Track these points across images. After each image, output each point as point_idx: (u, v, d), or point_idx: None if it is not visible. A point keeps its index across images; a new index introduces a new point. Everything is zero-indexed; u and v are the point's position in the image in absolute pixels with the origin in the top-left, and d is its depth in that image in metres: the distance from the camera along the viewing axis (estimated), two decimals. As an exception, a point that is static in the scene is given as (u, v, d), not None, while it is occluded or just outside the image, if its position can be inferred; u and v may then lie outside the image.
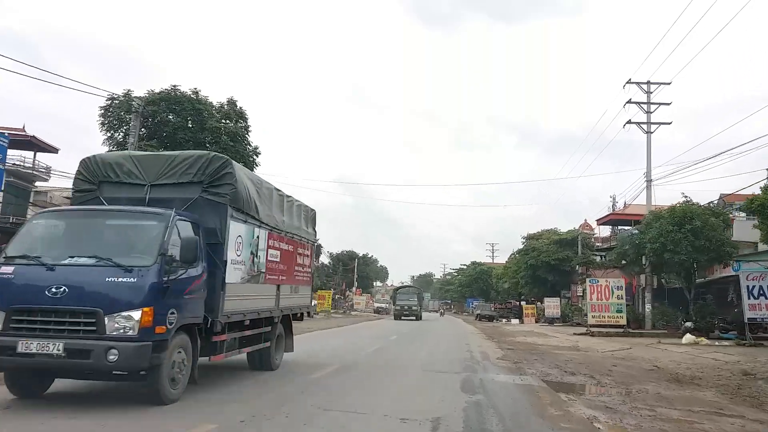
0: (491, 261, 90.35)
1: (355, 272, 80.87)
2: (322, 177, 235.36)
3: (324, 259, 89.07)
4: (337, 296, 71.50)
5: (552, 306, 49.03)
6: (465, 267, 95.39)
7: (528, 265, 53.19)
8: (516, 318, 60.02)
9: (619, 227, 52.51)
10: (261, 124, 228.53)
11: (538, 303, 58.12)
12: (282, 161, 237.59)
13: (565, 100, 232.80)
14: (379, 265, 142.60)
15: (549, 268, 51.95)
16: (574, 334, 29.18)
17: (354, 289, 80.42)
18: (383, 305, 74.83)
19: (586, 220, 59.34)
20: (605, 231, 57.24)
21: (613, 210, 53.17)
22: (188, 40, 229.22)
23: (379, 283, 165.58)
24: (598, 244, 55.06)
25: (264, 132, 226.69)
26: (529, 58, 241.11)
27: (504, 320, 57.11)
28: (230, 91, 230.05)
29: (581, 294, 49.05)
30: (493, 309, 65.75)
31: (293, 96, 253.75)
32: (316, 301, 54.60)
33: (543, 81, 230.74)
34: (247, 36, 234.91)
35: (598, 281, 30.33)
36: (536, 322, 49.46)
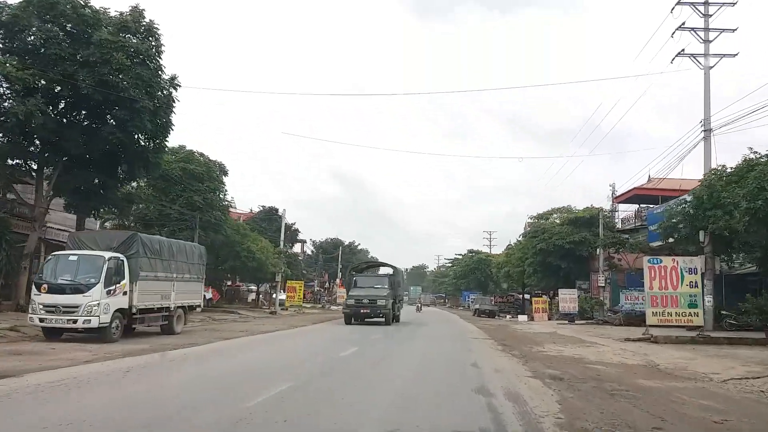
0: (489, 252, 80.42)
1: (338, 262, 70.94)
2: (317, 171, 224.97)
3: (307, 249, 79.27)
4: (317, 288, 61.65)
5: (568, 299, 39.27)
6: (460, 257, 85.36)
7: (537, 251, 43.39)
8: (520, 314, 50.36)
9: (646, 205, 42.78)
10: (252, 117, 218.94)
11: (545, 296, 48.67)
12: (275, 157, 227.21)
13: (560, 93, 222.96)
14: (369, 256, 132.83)
15: (562, 253, 42.20)
16: (627, 339, 19.34)
17: (337, 280, 70.44)
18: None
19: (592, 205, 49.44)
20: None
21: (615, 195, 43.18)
22: (185, 36, 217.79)
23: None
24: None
25: (256, 131, 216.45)
26: (523, 49, 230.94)
27: (508, 316, 47.31)
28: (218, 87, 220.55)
29: (603, 284, 39.34)
30: (493, 303, 56.00)
31: (283, 88, 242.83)
32: (285, 295, 44.88)
33: (538, 73, 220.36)
34: (239, 28, 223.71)
35: (660, 261, 20.28)
36: (549, 319, 39.72)
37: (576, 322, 34.39)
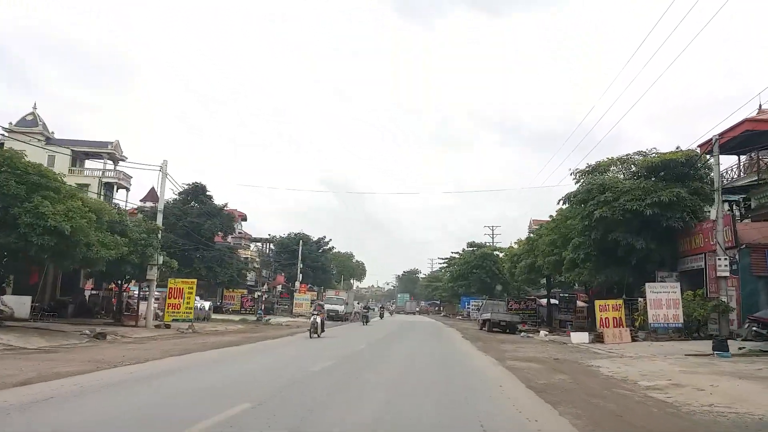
0: (494, 246, 61.20)
1: (298, 261, 51.81)
2: (305, 179, 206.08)
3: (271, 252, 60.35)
4: (257, 294, 42.48)
5: (665, 302, 20.36)
6: (458, 255, 66.09)
7: (592, 222, 24.62)
8: (545, 328, 31.46)
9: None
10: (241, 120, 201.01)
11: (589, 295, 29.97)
12: (268, 163, 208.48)
13: (548, 96, 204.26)
14: (355, 260, 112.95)
15: (637, 224, 23.60)
16: None
17: (297, 283, 51.36)
18: (338, 308, 45.83)
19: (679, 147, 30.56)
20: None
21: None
22: (165, 40, 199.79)
23: (357, 283, 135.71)
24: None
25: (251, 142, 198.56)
26: (512, 52, 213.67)
27: (543, 332, 28.28)
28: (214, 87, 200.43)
29: (725, 272, 20.42)
30: (509, 311, 37.06)
31: (271, 95, 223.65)
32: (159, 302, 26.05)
33: (526, 76, 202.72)
34: (221, 35, 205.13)
35: None
36: (633, 338, 20.62)
37: (726, 354, 15.30)
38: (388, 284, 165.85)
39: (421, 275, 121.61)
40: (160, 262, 24.46)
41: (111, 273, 23.40)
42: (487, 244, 60.59)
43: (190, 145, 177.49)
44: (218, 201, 43.97)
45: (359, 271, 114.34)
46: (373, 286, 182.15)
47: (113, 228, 21.20)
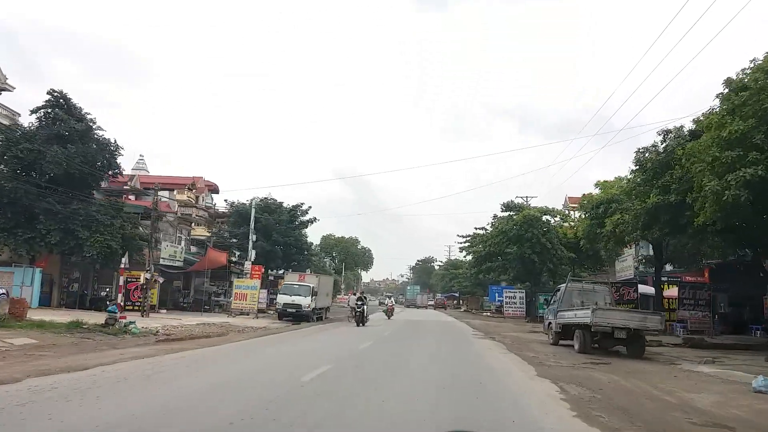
0: (546, 207, 42.53)
1: (250, 232, 33.85)
2: (319, 172, 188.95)
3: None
4: (144, 280, 24.33)
5: None
6: (482, 231, 47.18)
7: None
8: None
9: None
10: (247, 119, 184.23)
11: None
12: (275, 160, 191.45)
13: (567, 84, 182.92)
14: (360, 246, 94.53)
15: None
16: None
17: (247, 264, 33.49)
18: (304, 300, 27.80)
19: None
20: None
21: None
22: (176, 34, 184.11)
23: (364, 274, 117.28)
24: None
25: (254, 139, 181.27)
26: (528, 38, 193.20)
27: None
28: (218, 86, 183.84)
29: None
30: (611, 301, 18.51)
31: (277, 87, 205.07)
32: None
33: (543, 63, 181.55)
34: (236, 29, 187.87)
35: None
36: None
37: None
38: (402, 276, 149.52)
39: (437, 264, 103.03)
40: None
41: None
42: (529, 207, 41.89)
43: (192, 141, 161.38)
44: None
45: (365, 258, 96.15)
46: (387, 278, 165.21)
47: None
